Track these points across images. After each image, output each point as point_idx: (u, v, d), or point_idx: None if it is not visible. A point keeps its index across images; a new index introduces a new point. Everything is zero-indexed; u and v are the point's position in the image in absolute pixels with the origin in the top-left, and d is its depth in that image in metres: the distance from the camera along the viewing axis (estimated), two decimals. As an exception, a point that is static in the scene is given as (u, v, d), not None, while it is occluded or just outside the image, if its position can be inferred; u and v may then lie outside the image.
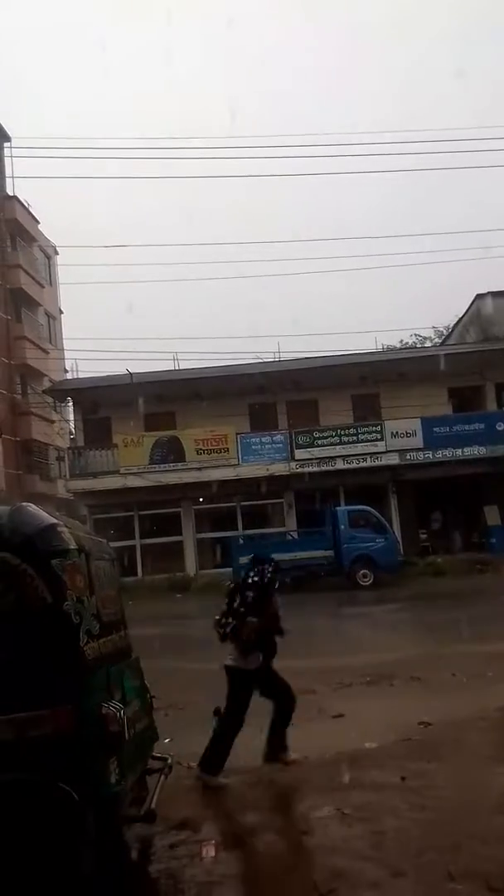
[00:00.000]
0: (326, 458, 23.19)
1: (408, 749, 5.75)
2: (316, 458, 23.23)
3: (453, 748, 5.62)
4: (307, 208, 71.91)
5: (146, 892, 3.73)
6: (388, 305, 60.17)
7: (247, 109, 74.88)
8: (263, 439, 23.79)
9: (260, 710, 7.50)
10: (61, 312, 37.76)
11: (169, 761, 4.43)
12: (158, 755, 4.48)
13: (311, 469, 23.20)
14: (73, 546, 3.54)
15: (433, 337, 39.99)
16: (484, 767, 5.07)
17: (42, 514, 3.58)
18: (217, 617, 5.27)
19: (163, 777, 4.19)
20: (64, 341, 36.14)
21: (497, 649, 9.32)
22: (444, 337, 36.11)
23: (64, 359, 32.62)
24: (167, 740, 5.55)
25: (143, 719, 4.21)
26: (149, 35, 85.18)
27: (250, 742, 6.43)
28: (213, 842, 4.08)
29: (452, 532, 24.42)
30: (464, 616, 12.72)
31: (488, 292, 27.37)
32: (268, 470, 23.17)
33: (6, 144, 31.15)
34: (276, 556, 21.72)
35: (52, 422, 32.26)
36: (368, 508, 21.08)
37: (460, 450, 22.84)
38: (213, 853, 3.95)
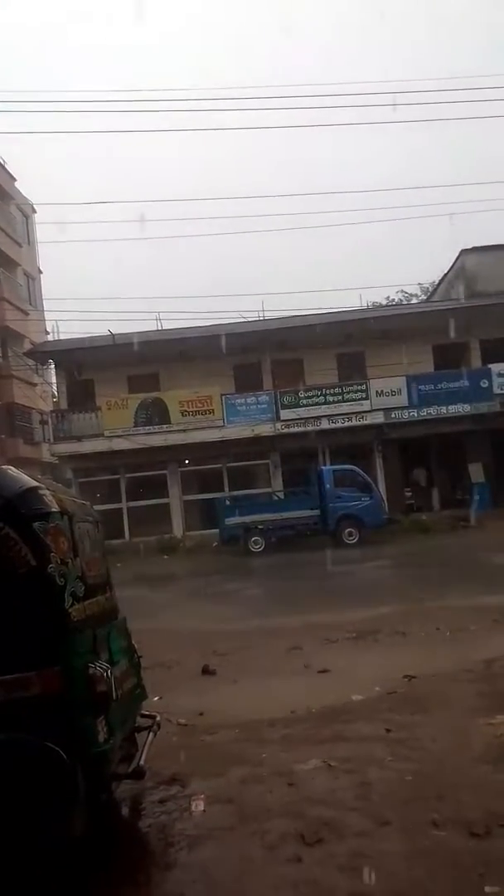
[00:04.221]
0: (312, 417, 23.14)
1: (393, 702, 5.86)
2: (301, 418, 23.18)
3: (438, 700, 5.72)
4: (292, 163, 70.55)
5: (137, 847, 3.80)
6: (375, 261, 59.62)
7: (225, 63, 72.75)
8: (248, 400, 23.65)
9: (253, 665, 7.64)
10: (40, 272, 36.97)
11: (157, 719, 4.49)
12: (147, 713, 4.54)
13: (296, 429, 23.17)
14: (55, 509, 3.51)
15: (419, 293, 39.70)
16: (468, 719, 5.17)
17: (23, 478, 3.54)
18: None
19: (152, 734, 4.25)
20: (44, 302, 35.51)
21: (480, 603, 9.48)
22: (429, 293, 35.82)
23: (44, 320, 32.03)
24: (156, 698, 5.64)
25: (130, 678, 4.24)
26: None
27: (239, 697, 6.55)
28: (202, 796, 4.15)
29: (437, 489, 24.60)
30: (447, 572, 12.92)
31: (473, 248, 27.02)
32: (253, 431, 23.11)
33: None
34: (263, 517, 21.66)
35: (35, 385, 31.86)
36: (354, 467, 21.16)
37: (445, 408, 22.89)
38: (202, 807, 4.03)
